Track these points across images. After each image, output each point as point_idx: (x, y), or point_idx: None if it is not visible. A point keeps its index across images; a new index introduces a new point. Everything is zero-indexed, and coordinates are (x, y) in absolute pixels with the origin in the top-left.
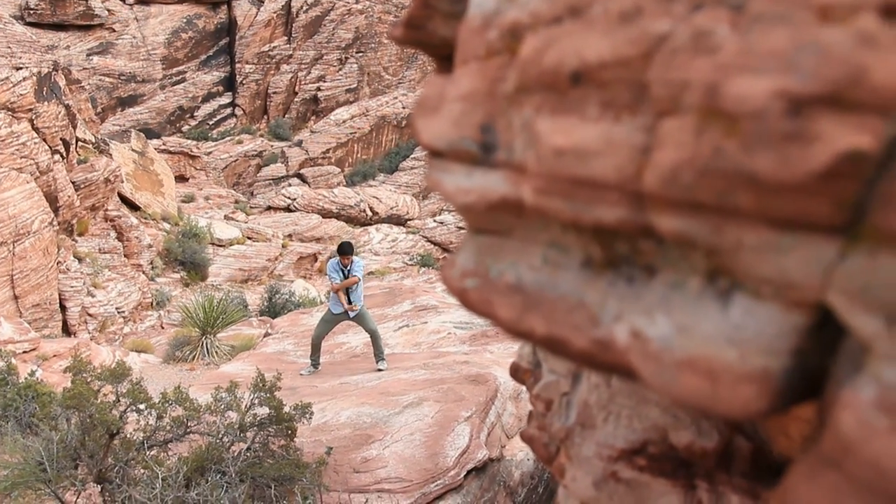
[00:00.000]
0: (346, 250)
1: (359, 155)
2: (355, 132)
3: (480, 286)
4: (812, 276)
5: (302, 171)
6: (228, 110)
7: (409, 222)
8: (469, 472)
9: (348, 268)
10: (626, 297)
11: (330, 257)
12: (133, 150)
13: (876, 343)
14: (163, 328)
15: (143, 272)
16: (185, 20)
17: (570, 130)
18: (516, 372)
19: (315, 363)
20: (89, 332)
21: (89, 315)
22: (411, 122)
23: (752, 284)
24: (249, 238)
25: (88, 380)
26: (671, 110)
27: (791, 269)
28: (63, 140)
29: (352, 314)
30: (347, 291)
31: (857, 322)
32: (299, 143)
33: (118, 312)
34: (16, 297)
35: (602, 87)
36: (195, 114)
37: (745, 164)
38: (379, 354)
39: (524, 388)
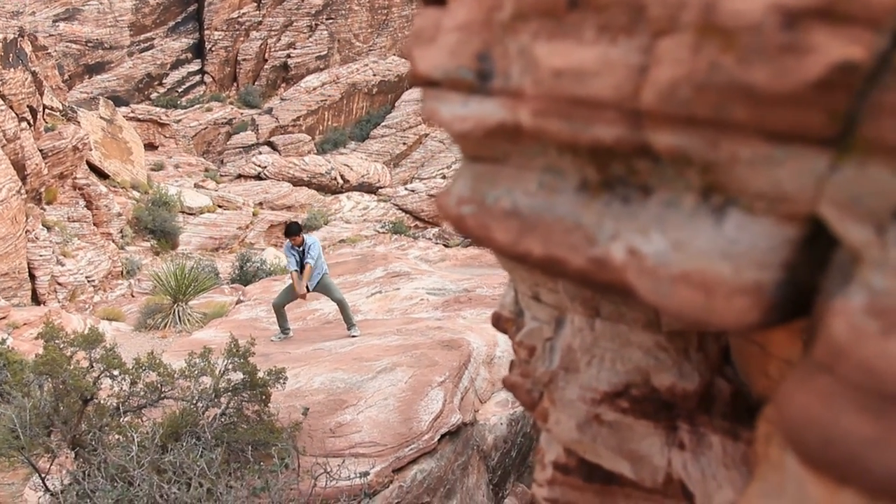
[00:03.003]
0: (292, 231)
1: (329, 123)
2: (326, 100)
3: (477, 212)
4: (804, 189)
5: (272, 138)
6: (197, 77)
7: (380, 190)
8: (443, 436)
9: (302, 248)
10: (622, 217)
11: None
12: (101, 117)
13: (866, 251)
14: (133, 297)
15: (113, 241)
16: None
17: (568, 53)
18: (498, 321)
19: (284, 329)
20: (59, 301)
21: (59, 284)
22: (407, 53)
23: (745, 199)
24: (220, 206)
25: (61, 346)
26: (668, 29)
27: (784, 182)
28: (30, 107)
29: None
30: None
31: (848, 231)
32: (269, 111)
33: (88, 281)
34: None
35: (599, 10)
36: (164, 81)
37: (741, 76)
38: (349, 322)
39: (497, 353)
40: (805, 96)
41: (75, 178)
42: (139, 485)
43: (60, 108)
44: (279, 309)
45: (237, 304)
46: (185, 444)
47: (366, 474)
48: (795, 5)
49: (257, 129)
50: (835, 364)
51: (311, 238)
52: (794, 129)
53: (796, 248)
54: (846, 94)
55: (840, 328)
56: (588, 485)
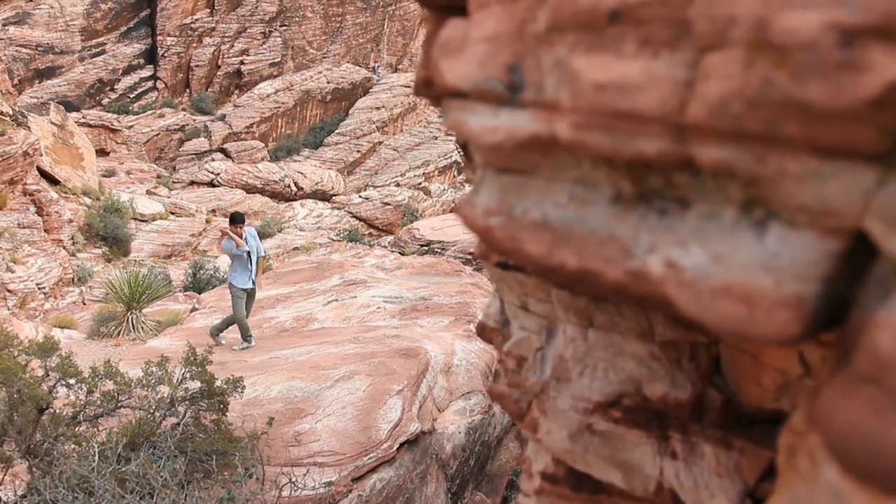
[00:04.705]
0: (237, 219)
1: (283, 130)
2: (279, 107)
3: (506, 224)
4: (851, 203)
5: (225, 145)
6: (150, 83)
7: (334, 198)
8: (401, 444)
9: (243, 237)
10: (659, 230)
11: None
12: (52, 122)
13: None
14: (85, 304)
15: (64, 247)
16: None
17: (609, 66)
18: (483, 331)
19: (246, 337)
20: (9, 309)
21: (9, 291)
22: (434, 65)
23: (788, 213)
24: (172, 213)
25: (16, 354)
26: (716, 45)
27: (831, 197)
28: None
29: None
30: (244, 265)
31: (893, 246)
32: (222, 118)
33: (38, 288)
34: None
35: (640, 24)
36: (115, 87)
37: (795, 93)
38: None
39: (455, 361)
40: (860, 113)
41: (25, 183)
42: (101, 495)
43: (10, 112)
44: (243, 321)
45: (192, 311)
46: (143, 453)
47: (329, 483)
48: (852, 24)
49: (210, 136)
50: (881, 376)
51: (249, 229)
52: (844, 144)
53: (837, 261)
54: None
55: (885, 341)
56: (576, 494)
